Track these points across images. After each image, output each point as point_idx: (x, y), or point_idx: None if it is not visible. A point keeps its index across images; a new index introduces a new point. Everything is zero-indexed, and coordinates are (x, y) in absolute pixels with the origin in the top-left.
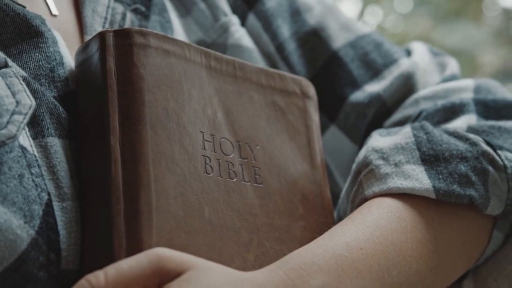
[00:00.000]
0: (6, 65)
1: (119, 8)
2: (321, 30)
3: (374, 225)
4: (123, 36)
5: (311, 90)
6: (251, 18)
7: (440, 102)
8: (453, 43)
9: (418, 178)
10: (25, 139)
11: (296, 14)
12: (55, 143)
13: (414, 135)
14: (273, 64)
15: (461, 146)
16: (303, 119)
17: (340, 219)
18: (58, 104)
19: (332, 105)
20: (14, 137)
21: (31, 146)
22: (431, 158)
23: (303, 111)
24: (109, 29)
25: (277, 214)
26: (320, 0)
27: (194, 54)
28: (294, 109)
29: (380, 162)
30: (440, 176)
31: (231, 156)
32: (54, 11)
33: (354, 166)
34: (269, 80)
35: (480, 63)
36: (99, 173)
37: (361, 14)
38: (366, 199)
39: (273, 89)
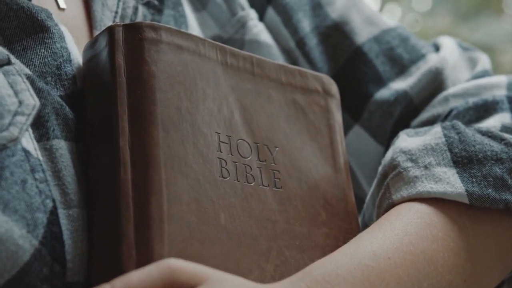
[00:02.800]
0: (8, 62)
1: (131, 1)
2: (343, 24)
3: (403, 233)
4: (133, 30)
5: (334, 87)
6: (270, 12)
7: (471, 100)
8: (473, 41)
9: (450, 182)
10: (28, 142)
11: (317, 7)
12: (61, 146)
13: (445, 135)
14: (293, 60)
15: (496, 146)
16: (325, 118)
17: (365, 224)
18: (64, 104)
19: (356, 103)
20: (16, 140)
21: (35, 149)
22: (464, 160)
23: (325, 110)
24: (119, 23)
25: (298, 221)
26: None
27: (209, 50)
28: (316, 108)
29: (409, 164)
30: (474, 179)
31: (248, 158)
32: (62, 4)
33: (380, 168)
34: (289, 77)
35: (501, 61)
36: (107, 177)
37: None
38: (393, 204)
39: (293, 87)
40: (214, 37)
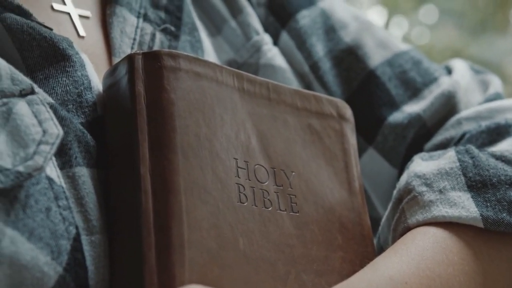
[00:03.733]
0: (32, 92)
1: (148, 28)
2: (357, 48)
3: (419, 257)
4: (152, 58)
5: (348, 112)
6: (284, 37)
7: (484, 123)
8: (480, 54)
9: (465, 206)
10: (52, 170)
11: (330, 31)
12: (83, 173)
13: (459, 160)
14: (307, 84)
15: (510, 171)
16: (340, 142)
17: (380, 247)
18: (86, 131)
19: (370, 126)
20: (41, 169)
21: (58, 177)
22: (478, 185)
23: (340, 134)
24: (138, 51)
25: (315, 245)
26: (356, 16)
27: (226, 76)
28: (331, 132)
29: (424, 188)
30: (488, 204)
31: (266, 183)
32: (82, 32)
33: (395, 192)
34: (304, 102)
35: (508, 74)
36: (128, 204)
37: (386, 25)
38: (409, 228)
39: (309, 112)
40: (229, 62)
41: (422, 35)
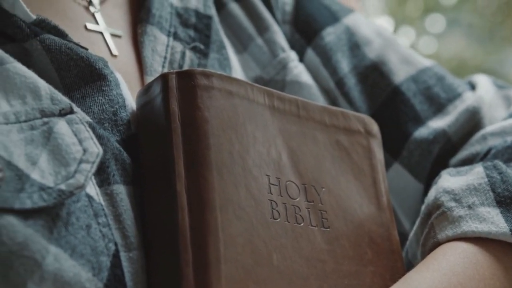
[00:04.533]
0: (71, 111)
1: (178, 47)
2: (381, 64)
3: (451, 272)
4: (186, 77)
5: (375, 127)
6: (310, 53)
7: (509, 139)
8: (488, 64)
9: (494, 221)
10: (91, 188)
11: (355, 48)
12: (121, 191)
13: (487, 175)
14: (332, 100)
15: None
16: (368, 158)
17: (408, 262)
18: (122, 149)
19: (395, 142)
20: (82, 187)
21: (97, 194)
22: (507, 200)
23: (367, 150)
24: (172, 70)
25: (346, 260)
26: (379, 32)
27: (257, 94)
28: (358, 148)
29: (453, 204)
30: None
31: (297, 199)
32: (114, 51)
33: (423, 207)
34: (332, 118)
35: None
36: (165, 220)
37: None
38: (438, 243)
39: (337, 128)
40: (256, 78)
41: (429, 45)
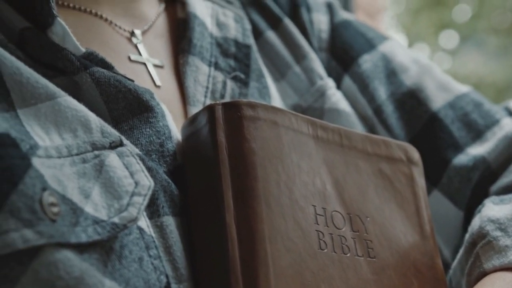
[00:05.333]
0: (121, 144)
1: (220, 76)
2: (418, 91)
3: None
4: (232, 109)
5: (416, 155)
6: (347, 81)
7: None
8: (505, 80)
9: None
10: (142, 220)
11: (392, 75)
12: (170, 222)
13: None
14: (370, 127)
15: None
16: (410, 186)
17: None
18: (170, 181)
19: (434, 168)
20: (135, 220)
21: (148, 226)
22: None
23: (409, 178)
24: (217, 101)
25: None
26: (415, 59)
27: (301, 124)
28: (401, 177)
29: (498, 233)
30: None
31: (343, 229)
32: (158, 82)
33: (467, 236)
34: (374, 147)
35: None
36: (215, 251)
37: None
38: (485, 273)
39: (379, 157)
40: (294, 106)
41: (443, 61)
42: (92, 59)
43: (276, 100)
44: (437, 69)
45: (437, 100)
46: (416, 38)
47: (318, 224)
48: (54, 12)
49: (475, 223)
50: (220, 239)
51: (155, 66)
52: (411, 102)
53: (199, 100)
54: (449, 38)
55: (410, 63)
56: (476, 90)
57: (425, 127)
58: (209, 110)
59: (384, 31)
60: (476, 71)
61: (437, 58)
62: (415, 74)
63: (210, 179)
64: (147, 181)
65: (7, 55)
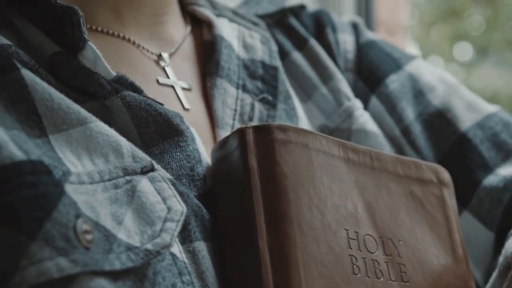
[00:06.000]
0: (152, 169)
1: (247, 99)
2: (446, 111)
3: None
4: (263, 132)
5: (447, 177)
6: (374, 101)
7: None
8: None
9: None
10: (174, 246)
11: (419, 95)
12: (202, 248)
13: None
14: (398, 148)
15: None
16: (442, 208)
17: None
18: (201, 205)
19: (464, 190)
20: (168, 246)
21: (180, 252)
22: None
23: (440, 200)
24: (248, 125)
25: None
26: (443, 79)
27: (332, 146)
28: (432, 199)
29: None
30: None
31: (375, 253)
32: (186, 105)
33: (501, 259)
34: (405, 169)
35: None
36: (248, 277)
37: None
38: None
39: (410, 179)
40: (321, 127)
41: (457, 73)
42: (122, 82)
43: (303, 122)
44: (464, 88)
45: (466, 120)
46: (430, 50)
47: (351, 248)
48: (85, 37)
49: (509, 245)
50: (253, 265)
51: (183, 89)
52: (439, 122)
53: (228, 123)
54: (463, 50)
55: (437, 82)
56: (491, 103)
57: (454, 148)
58: (240, 133)
59: (404, 47)
60: (491, 84)
61: (451, 70)
62: (442, 94)
63: (241, 204)
64: (179, 207)
65: (38, 80)
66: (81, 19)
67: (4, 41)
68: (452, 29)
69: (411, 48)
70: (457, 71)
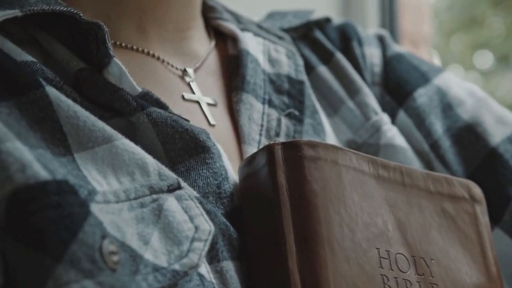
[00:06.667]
0: (179, 187)
1: (274, 114)
2: (476, 125)
3: None
4: (292, 149)
5: (479, 193)
6: (402, 116)
7: None
8: None
9: None
10: (202, 266)
11: (448, 109)
12: (230, 267)
13: None
14: (427, 163)
15: None
16: (474, 225)
17: None
18: (229, 224)
19: (495, 206)
20: (196, 267)
21: (207, 272)
22: None
23: (473, 217)
24: (276, 141)
25: None
26: (472, 92)
27: (362, 163)
28: (464, 216)
29: None
30: None
31: (407, 273)
32: (212, 121)
33: None
34: (436, 185)
35: None
36: None
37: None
38: None
39: (442, 195)
40: (348, 142)
41: (478, 82)
42: (148, 99)
43: (330, 137)
44: (494, 102)
45: (496, 134)
46: (450, 59)
47: (382, 268)
48: (111, 52)
49: None
50: (283, 285)
51: (209, 104)
52: (468, 136)
53: (254, 139)
54: (484, 59)
55: (466, 96)
56: None
57: (484, 163)
58: (268, 150)
59: (429, 58)
60: None
61: (472, 79)
62: (471, 108)
63: (270, 222)
64: (207, 226)
65: (63, 97)
66: (106, 35)
67: (29, 57)
68: (472, 38)
69: (433, 58)
70: (478, 79)
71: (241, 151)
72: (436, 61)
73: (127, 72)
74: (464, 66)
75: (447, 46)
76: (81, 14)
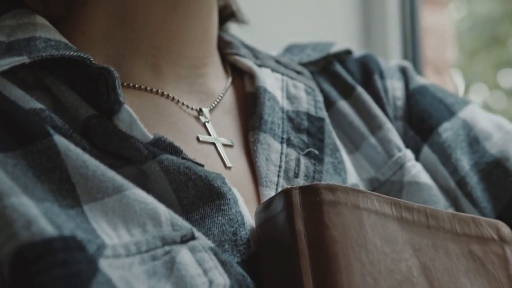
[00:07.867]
0: (192, 237)
1: (292, 154)
2: (504, 159)
3: None
4: (310, 193)
5: (508, 233)
6: (426, 151)
7: None
8: None
9: None
10: None
11: (474, 143)
12: None
13: None
14: (453, 200)
15: None
16: (505, 268)
17: None
18: (245, 274)
19: None
20: None
21: None
22: None
23: (503, 259)
24: (294, 185)
25: None
26: (499, 125)
27: (384, 205)
28: (493, 258)
29: None
30: None
31: None
32: (228, 163)
33: None
34: (463, 226)
35: None
36: None
37: (465, 92)
38: None
39: (469, 237)
40: (371, 180)
41: (501, 101)
42: (160, 144)
43: (352, 175)
44: None
45: None
46: (473, 78)
47: None
48: (121, 99)
49: None
50: None
51: (224, 145)
52: (497, 172)
53: (272, 181)
54: (508, 78)
55: (493, 129)
56: None
57: None
58: (286, 195)
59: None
60: None
61: (496, 98)
62: (499, 141)
63: (288, 270)
64: (221, 280)
65: (72, 146)
66: (116, 81)
67: (38, 105)
68: (495, 57)
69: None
70: (502, 98)
71: (258, 194)
72: (459, 80)
73: (137, 120)
74: (488, 85)
75: (470, 66)
76: (91, 59)
